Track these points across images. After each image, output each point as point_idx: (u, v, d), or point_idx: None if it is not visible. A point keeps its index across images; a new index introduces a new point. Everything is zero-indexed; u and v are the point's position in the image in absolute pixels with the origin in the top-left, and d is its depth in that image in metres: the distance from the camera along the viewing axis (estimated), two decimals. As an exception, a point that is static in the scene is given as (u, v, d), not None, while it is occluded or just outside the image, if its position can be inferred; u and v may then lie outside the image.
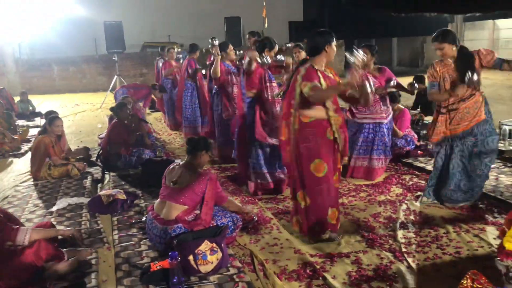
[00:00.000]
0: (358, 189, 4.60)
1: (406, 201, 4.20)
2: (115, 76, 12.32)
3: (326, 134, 3.28)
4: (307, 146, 3.27)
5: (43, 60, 15.65)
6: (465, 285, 2.18)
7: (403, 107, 5.93)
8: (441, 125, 3.88)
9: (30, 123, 9.73)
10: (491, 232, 3.44)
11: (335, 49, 3.32)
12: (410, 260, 3.07)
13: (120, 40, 12.12)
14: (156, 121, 9.52)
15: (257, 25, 18.36)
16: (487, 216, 3.74)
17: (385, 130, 4.88)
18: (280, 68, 4.83)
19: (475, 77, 3.56)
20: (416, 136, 5.90)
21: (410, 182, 4.71)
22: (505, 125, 5.93)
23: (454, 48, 3.76)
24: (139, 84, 10.72)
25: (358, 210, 4.07)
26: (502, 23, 15.90)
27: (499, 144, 5.67)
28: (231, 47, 5.97)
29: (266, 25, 16.35)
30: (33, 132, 8.24)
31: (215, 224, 3.31)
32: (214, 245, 2.97)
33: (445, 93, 3.79)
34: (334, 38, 3.31)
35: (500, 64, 3.66)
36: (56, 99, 14.01)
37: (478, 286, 2.14)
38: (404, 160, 5.38)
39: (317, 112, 3.27)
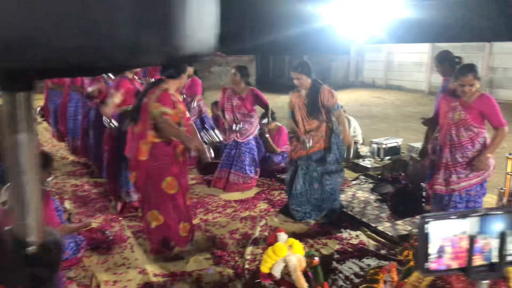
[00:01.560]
0: (226, 205, 4.70)
1: (266, 217, 4.36)
2: None
3: (176, 153, 3.31)
4: (158, 165, 3.28)
5: None
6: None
7: (280, 124, 6.18)
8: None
9: None
10: (331, 246, 3.69)
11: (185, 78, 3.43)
12: (247, 276, 3.19)
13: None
14: (45, 131, 9.00)
15: None
16: (333, 231, 4.01)
17: (243, 148, 5.06)
18: None
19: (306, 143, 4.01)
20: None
21: (277, 198, 4.91)
22: (375, 143, 6.42)
23: (309, 81, 4.01)
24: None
25: (219, 226, 4.15)
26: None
27: (366, 161, 6.16)
28: None
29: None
30: None
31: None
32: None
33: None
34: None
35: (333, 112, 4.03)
36: None
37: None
38: (278, 175, 5.61)
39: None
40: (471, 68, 3.25)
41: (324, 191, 4.13)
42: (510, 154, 2.48)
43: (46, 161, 3.36)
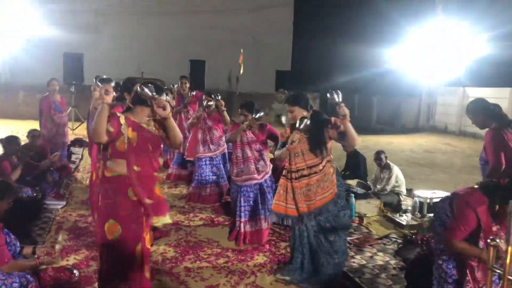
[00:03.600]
0: (220, 254, 4.17)
1: (258, 274, 3.76)
2: (70, 108, 12.11)
3: (128, 193, 2.90)
4: (106, 203, 2.90)
5: (8, 85, 15.58)
6: None
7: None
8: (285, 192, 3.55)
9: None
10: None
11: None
12: None
13: (79, 72, 11.97)
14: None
15: (221, 68, 18.53)
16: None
17: (264, 188, 4.51)
18: None
19: (307, 122, 3.38)
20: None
21: (282, 251, 4.28)
22: (418, 196, 5.55)
23: (305, 113, 3.50)
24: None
25: (199, 279, 3.63)
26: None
27: (404, 216, 5.33)
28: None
29: (241, 71, 16.45)
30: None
31: (-4, 284, 2.88)
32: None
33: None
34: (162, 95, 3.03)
35: (343, 138, 3.36)
36: (15, 124, 13.77)
37: None
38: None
39: (120, 167, 2.92)
40: None
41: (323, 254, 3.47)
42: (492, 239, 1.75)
43: (5, 190, 3.16)
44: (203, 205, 5.73)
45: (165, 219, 3.04)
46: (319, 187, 3.42)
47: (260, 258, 4.10)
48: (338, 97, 3.24)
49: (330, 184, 3.44)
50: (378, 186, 6.26)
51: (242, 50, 16.11)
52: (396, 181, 6.17)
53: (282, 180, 3.58)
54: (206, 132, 5.85)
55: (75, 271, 3.53)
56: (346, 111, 3.20)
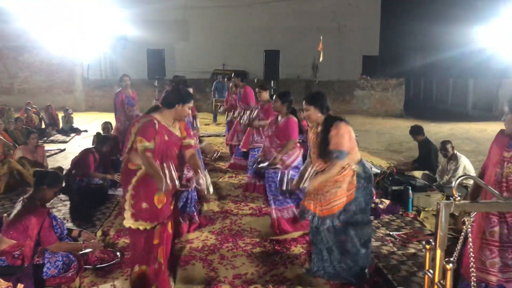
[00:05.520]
0: (258, 244, 4.23)
1: (289, 265, 3.76)
2: (154, 101, 12.91)
3: (154, 198, 3.06)
4: (132, 193, 3.10)
5: (106, 81, 17.09)
6: None
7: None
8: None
9: (66, 138, 10.63)
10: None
11: (187, 110, 3.15)
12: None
13: (161, 67, 12.68)
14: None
15: (299, 57, 18.26)
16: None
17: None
18: None
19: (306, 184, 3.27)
20: (374, 191, 5.30)
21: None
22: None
23: (320, 115, 3.33)
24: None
25: (230, 267, 3.73)
26: None
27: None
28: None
29: (321, 58, 16.17)
30: (48, 148, 9.00)
31: (41, 262, 3.26)
32: (10, 284, 2.93)
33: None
34: (190, 101, 3.16)
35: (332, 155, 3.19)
36: (109, 117, 15.14)
37: None
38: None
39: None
40: None
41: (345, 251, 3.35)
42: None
43: (54, 180, 3.49)
44: (257, 194, 5.82)
45: None
46: (329, 192, 3.26)
47: (296, 250, 4.08)
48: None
49: (343, 193, 3.23)
50: (445, 178, 5.82)
51: (321, 37, 15.83)
52: (464, 173, 5.67)
53: None
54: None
55: (118, 253, 3.85)
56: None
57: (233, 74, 7.86)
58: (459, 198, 1.62)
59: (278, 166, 4.23)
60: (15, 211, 3.34)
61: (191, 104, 3.21)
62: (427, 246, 1.66)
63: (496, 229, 2.71)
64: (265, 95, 5.91)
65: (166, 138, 3.08)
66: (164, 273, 3.21)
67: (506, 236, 2.70)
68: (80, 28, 16.14)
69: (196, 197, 4.70)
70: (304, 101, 3.35)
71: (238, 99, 7.23)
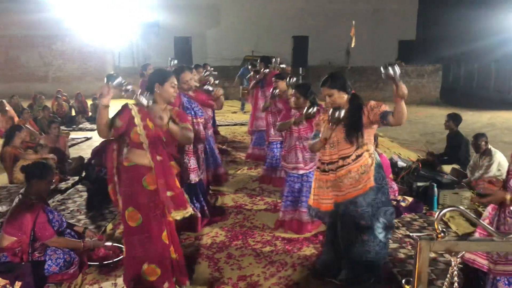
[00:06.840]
0: (268, 242, 4.06)
1: (298, 267, 3.57)
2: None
3: (142, 182, 2.95)
4: (125, 191, 3.00)
5: (138, 69, 17.21)
6: None
7: (380, 151, 5.08)
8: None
9: (95, 126, 10.77)
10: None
11: (169, 90, 2.99)
12: None
13: (188, 55, 12.62)
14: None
15: (331, 43, 17.70)
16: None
17: (311, 179, 4.21)
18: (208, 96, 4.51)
19: (341, 113, 2.95)
20: (396, 188, 5.01)
21: (335, 244, 4.00)
22: None
23: (345, 96, 3.08)
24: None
25: (237, 267, 3.59)
26: None
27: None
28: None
29: (353, 44, 15.65)
30: (74, 136, 9.14)
31: (43, 259, 3.23)
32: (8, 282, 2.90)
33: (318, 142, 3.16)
34: (170, 78, 2.98)
35: (386, 117, 2.87)
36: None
37: None
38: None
39: (138, 158, 2.97)
40: None
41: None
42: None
43: (43, 170, 3.42)
44: (274, 188, 5.64)
45: (186, 212, 3.01)
46: (352, 178, 3.04)
47: (307, 250, 3.89)
48: (395, 72, 2.62)
49: (366, 176, 3.02)
50: (476, 175, 5.43)
51: (353, 22, 15.28)
52: (498, 169, 5.26)
53: (316, 173, 3.28)
54: (277, 115, 5.67)
55: (123, 249, 3.78)
56: (405, 90, 2.68)
57: (258, 59, 7.57)
58: (442, 234, 1.37)
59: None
60: (11, 208, 3.32)
61: (173, 82, 2.99)
62: (406, 287, 1.43)
63: None
64: (283, 84, 5.65)
65: (150, 124, 2.91)
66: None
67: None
68: (111, 15, 16.29)
69: (207, 191, 4.57)
70: (323, 87, 3.06)
71: (262, 86, 7.02)
